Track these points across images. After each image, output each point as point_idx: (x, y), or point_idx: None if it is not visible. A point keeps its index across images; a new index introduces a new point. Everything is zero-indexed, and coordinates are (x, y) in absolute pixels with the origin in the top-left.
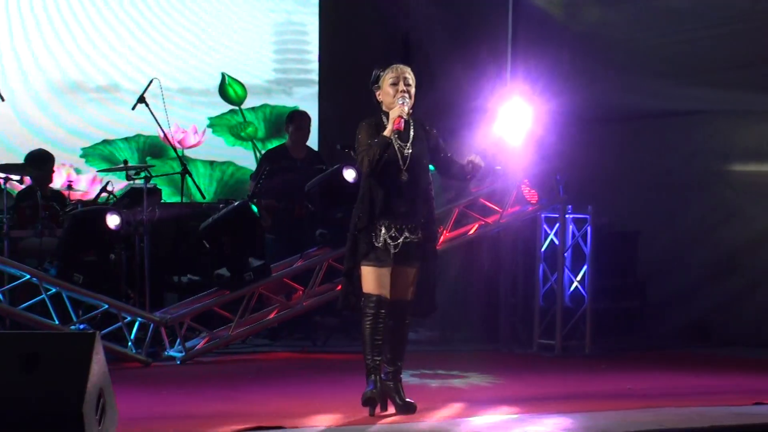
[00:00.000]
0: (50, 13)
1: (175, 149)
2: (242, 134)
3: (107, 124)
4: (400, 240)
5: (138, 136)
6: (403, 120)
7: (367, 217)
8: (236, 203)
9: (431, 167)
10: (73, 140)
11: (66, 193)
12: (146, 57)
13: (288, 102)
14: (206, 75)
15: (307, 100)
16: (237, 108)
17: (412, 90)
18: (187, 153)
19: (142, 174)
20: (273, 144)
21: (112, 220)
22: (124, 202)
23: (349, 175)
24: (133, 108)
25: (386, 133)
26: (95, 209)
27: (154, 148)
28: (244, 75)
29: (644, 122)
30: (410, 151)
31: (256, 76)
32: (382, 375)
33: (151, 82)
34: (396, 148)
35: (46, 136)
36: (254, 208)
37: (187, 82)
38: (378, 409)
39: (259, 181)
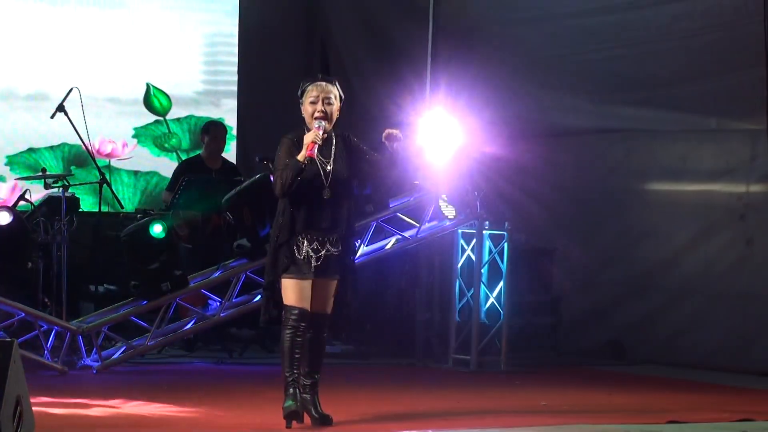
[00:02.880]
0: None
1: (93, 158)
2: (166, 145)
3: (34, 132)
4: (323, 252)
5: (63, 144)
6: (316, 146)
7: (287, 232)
8: (146, 218)
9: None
10: None
11: None
12: (74, 66)
13: (215, 113)
14: (134, 85)
15: (234, 111)
16: (162, 118)
17: (333, 108)
18: (113, 162)
19: (60, 183)
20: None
21: (3, 218)
22: (41, 211)
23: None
24: (52, 116)
25: (299, 157)
26: None
27: (78, 157)
28: (173, 85)
29: (562, 139)
30: (332, 167)
31: (183, 87)
32: (299, 388)
33: (70, 90)
34: (318, 164)
35: None
36: (162, 224)
37: (114, 91)
38: (294, 422)
39: (176, 192)
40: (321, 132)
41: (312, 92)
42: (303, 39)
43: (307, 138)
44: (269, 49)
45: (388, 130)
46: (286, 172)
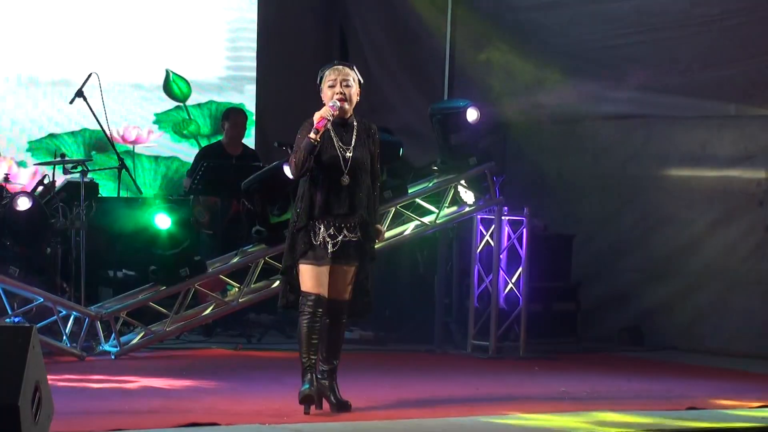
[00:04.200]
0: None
1: (112, 143)
2: (185, 132)
3: (55, 118)
4: (339, 238)
5: (84, 130)
6: (325, 120)
7: (305, 217)
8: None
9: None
10: (20, 134)
11: (3, 185)
12: (96, 52)
13: (238, 99)
14: (156, 71)
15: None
16: (182, 104)
17: (352, 90)
18: (135, 148)
19: (79, 168)
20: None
21: (22, 203)
22: (60, 196)
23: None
24: (71, 102)
25: (311, 135)
26: (7, 197)
27: (99, 143)
28: (195, 71)
29: (581, 125)
30: (351, 154)
31: (205, 73)
32: (318, 374)
33: (89, 76)
34: (338, 150)
35: None
36: (169, 216)
37: (137, 77)
38: (313, 408)
39: (195, 177)
40: (334, 110)
41: (330, 76)
42: (322, 24)
43: (318, 113)
44: (288, 35)
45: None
46: (300, 153)
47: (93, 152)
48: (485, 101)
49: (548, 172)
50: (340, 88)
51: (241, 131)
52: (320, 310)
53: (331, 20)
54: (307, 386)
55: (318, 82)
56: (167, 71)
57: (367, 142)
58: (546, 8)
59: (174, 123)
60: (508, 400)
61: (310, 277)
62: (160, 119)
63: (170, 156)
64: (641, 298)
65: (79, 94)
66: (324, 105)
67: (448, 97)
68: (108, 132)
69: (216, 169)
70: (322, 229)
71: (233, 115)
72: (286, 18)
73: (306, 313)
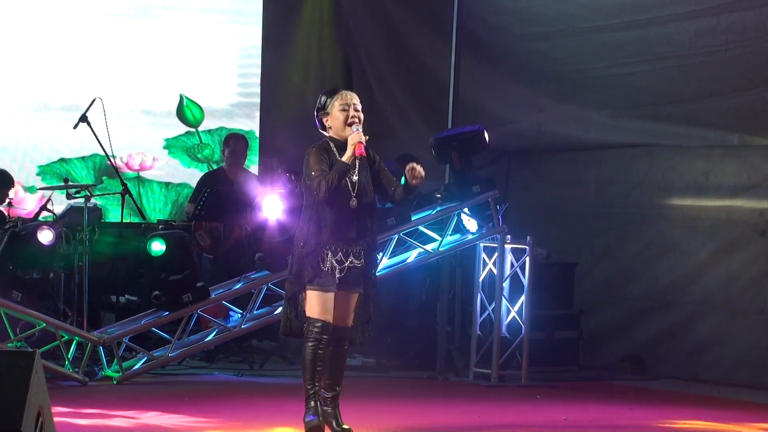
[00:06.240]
0: (12, 32)
1: (115, 168)
2: (199, 155)
3: (66, 142)
4: (346, 264)
5: (94, 155)
6: (363, 146)
7: (314, 241)
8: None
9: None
10: (30, 158)
11: (6, 210)
12: (108, 78)
13: (248, 126)
14: (168, 97)
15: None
16: (193, 130)
17: (361, 116)
18: (144, 174)
19: (83, 193)
20: None
21: (44, 236)
22: (63, 221)
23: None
24: (75, 127)
25: (345, 159)
26: (30, 225)
27: (109, 168)
28: (206, 98)
29: (584, 153)
30: (357, 177)
31: (216, 99)
32: (320, 400)
33: (93, 101)
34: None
35: (2, 154)
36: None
37: (148, 103)
38: None
39: (199, 203)
40: (361, 133)
41: (339, 100)
42: (326, 51)
43: (353, 139)
44: (292, 62)
45: (412, 167)
46: (332, 173)
47: (104, 177)
48: (489, 129)
49: (551, 201)
50: (353, 111)
51: (241, 157)
52: (326, 336)
53: (335, 47)
54: (314, 417)
55: (320, 106)
56: (181, 96)
57: (368, 165)
58: (551, 36)
59: (186, 147)
60: (510, 428)
61: (317, 303)
62: (171, 144)
63: (181, 182)
64: (643, 327)
65: (83, 119)
66: (326, 129)
67: (452, 124)
68: (111, 157)
69: (218, 194)
70: (330, 254)
71: (232, 142)
72: (289, 45)
73: (312, 340)
